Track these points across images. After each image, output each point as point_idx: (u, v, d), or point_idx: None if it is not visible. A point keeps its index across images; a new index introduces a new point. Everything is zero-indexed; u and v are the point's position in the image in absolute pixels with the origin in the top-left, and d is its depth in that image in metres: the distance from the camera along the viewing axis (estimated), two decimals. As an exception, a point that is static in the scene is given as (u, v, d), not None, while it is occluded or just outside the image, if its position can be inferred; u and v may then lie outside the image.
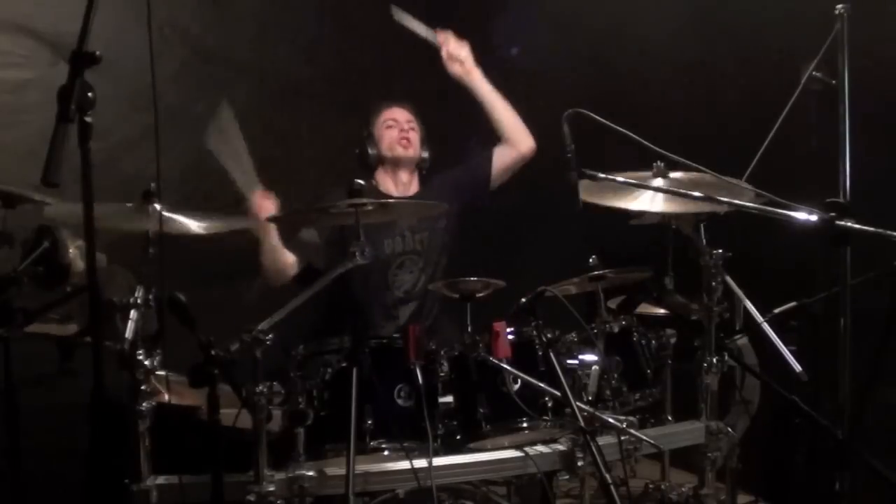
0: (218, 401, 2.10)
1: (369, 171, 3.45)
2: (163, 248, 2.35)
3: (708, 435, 2.77)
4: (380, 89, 4.29)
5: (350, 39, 4.36)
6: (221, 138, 2.98)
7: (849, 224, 2.18)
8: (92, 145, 1.68)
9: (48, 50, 3.56)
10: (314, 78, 4.24)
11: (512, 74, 4.71)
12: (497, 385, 2.57)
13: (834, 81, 2.66)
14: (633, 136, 2.59)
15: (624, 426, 2.55)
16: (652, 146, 2.64)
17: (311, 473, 2.34)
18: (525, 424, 2.58)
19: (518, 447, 2.60)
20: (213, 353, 2.09)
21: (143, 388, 2.31)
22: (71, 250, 2.53)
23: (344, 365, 2.47)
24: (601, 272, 2.79)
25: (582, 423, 2.40)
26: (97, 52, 1.68)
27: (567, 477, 2.81)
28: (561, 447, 2.60)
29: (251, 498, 2.25)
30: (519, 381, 2.56)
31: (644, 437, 2.58)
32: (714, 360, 2.76)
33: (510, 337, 2.60)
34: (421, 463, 2.41)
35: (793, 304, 2.91)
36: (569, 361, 2.69)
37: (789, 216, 2.32)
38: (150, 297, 2.34)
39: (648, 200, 2.77)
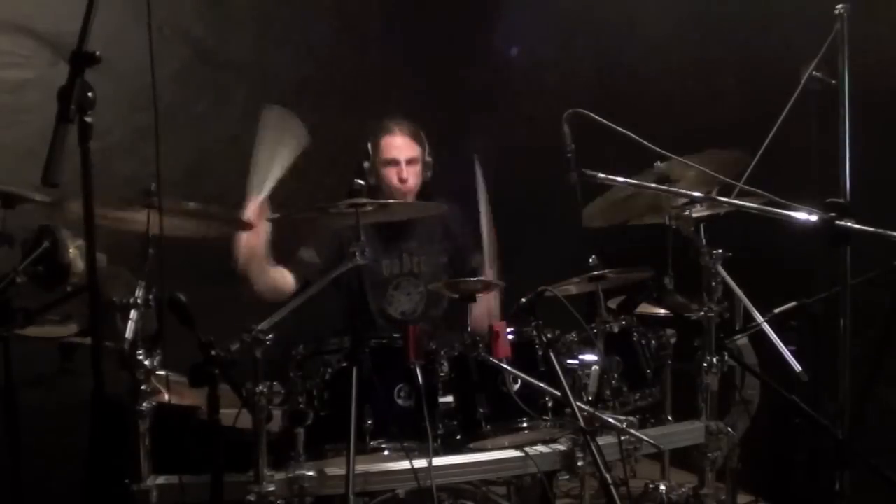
0: (218, 401, 2.10)
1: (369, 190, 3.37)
2: (163, 249, 2.35)
3: (708, 435, 2.78)
4: (380, 89, 4.30)
5: (350, 39, 4.36)
6: (276, 137, 2.91)
7: (849, 224, 2.19)
8: (92, 145, 1.68)
9: (48, 50, 3.56)
10: (314, 78, 4.24)
11: (512, 74, 4.73)
12: (497, 385, 2.57)
13: (834, 81, 2.65)
14: (634, 136, 2.60)
15: (624, 426, 2.55)
16: (652, 146, 2.65)
17: (311, 473, 2.34)
18: (525, 424, 2.58)
19: (518, 447, 2.61)
20: (213, 353, 2.09)
21: (143, 388, 2.31)
22: (71, 250, 2.52)
23: (344, 365, 2.47)
24: (601, 272, 2.79)
25: (582, 423, 2.40)
26: (97, 52, 1.67)
27: (567, 477, 2.81)
28: (561, 447, 2.60)
29: (251, 498, 2.26)
30: (519, 381, 2.56)
31: (644, 437, 2.58)
32: (714, 360, 2.77)
33: (510, 337, 2.60)
34: (421, 463, 2.41)
35: (793, 304, 2.91)
36: (569, 361, 2.69)
37: (789, 216, 2.32)
38: (150, 297, 2.34)
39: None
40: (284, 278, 3.20)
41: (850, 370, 2.40)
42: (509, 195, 4.33)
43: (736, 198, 2.64)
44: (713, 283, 2.76)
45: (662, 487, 3.07)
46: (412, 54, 4.47)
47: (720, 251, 2.76)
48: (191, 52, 3.94)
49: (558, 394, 2.48)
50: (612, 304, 3.01)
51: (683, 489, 3.03)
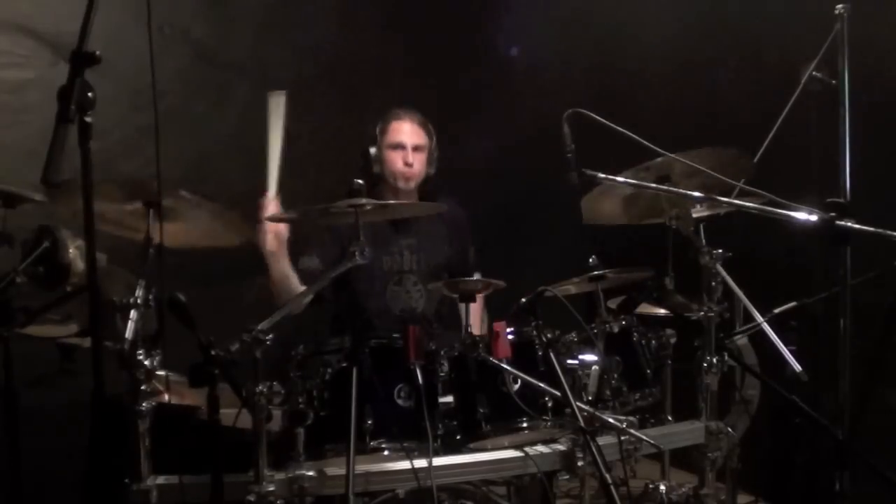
0: (218, 401, 2.10)
1: (372, 179, 3.40)
2: (163, 249, 2.35)
3: (708, 435, 2.78)
4: (380, 90, 4.29)
5: (350, 39, 4.36)
6: (277, 125, 2.93)
7: (849, 224, 2.18)
8: (92, 145, 1.68)
9: (48, 50, 3.56)
10: (314, 78, 4.24)
11: (512, 74, 4.73)
12: (497, 385, 2.57)
13: (834, 81, 2.66)
14: (634, 136, 2.60)
15: (624, 426, 2.55)
16: (652, 146, 2.65)
17: (311, 473, 2.33)
18: (525, 424, 2.57)
19: (518, 447, 2.60)
20: (213, 353, 2.09)
21: (143, 388, 2.30)
22: (71, 250, 2.52)
23: (344, 365, 2.47)
24: (601, 272, 2.79)
25: (582, 423, 2.40)
26: (97, 52, 1.67)
27: (567, 477, 2.81)
28: (561, 447, 2.60)
29: (251, 498, 2.25)
30: (519, 381, 2.56)
31: (644, 437, 2.58)
32: (714, 360, 2.77)
33: (510, 337, 2.60)
34: (421, 463, 2.41)
35: (793, 304, 2.91)
36: (569, 361, 2.68)
37: (789, 216, 2.32)
38: (150, 297, 2.34)
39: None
40: (294, 275, 3.20)
41: (850, 370, 2.39)
42: (509, 195, 4.34)
43: (736, 198, 2.64)
44: (713, 283, 2.76)
45: (662, 487, 3.07)
46: (412, 54, 4.48)
47: (720, 251, 2.76)
48: (191, 52, 3.94)
49: (558, 394, 2.48)
50: (612, 304, 3.01)
51: (683, 489, 3.03)
